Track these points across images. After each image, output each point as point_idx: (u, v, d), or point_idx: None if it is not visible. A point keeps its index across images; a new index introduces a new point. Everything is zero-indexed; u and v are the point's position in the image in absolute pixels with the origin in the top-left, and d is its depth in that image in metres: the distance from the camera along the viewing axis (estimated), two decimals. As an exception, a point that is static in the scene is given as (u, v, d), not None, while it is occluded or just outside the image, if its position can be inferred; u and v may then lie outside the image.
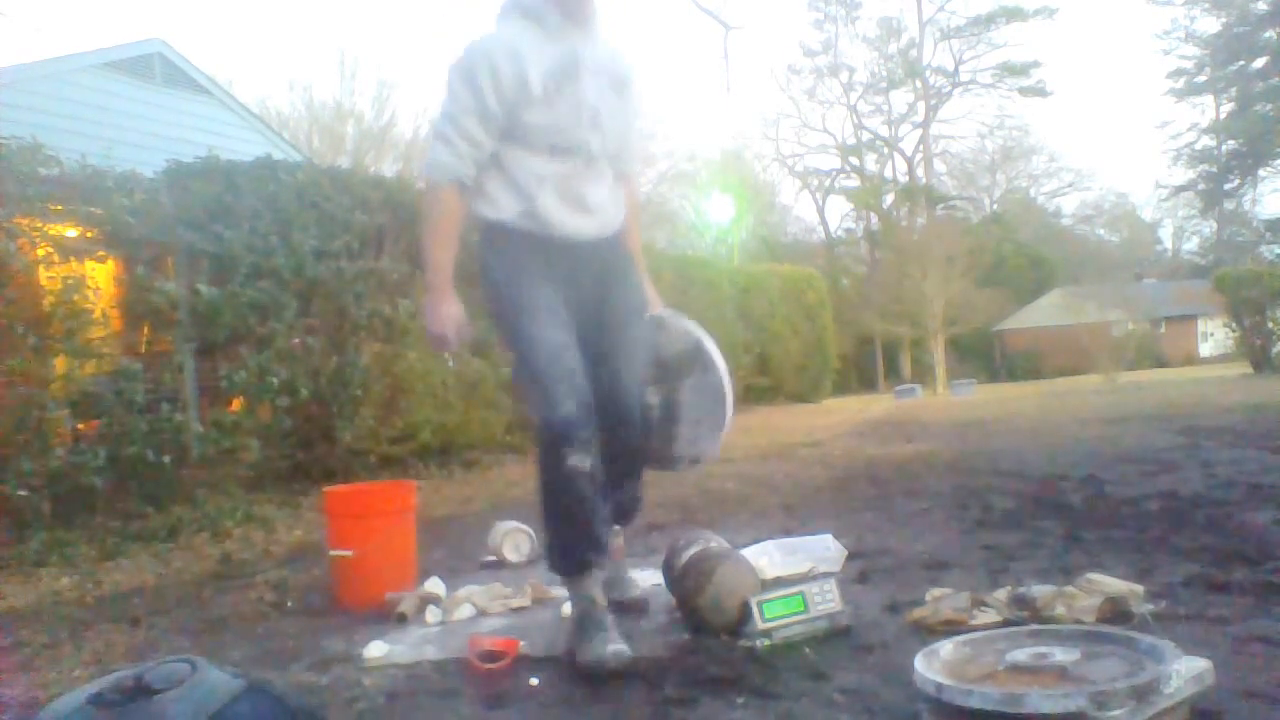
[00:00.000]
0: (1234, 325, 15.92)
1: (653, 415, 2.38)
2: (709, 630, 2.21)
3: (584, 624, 2.12)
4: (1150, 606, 2.08)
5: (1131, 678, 1.39)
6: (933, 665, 1.55)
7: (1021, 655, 1.54)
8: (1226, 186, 42.18)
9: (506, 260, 2.19)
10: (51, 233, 4.93)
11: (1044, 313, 35.97)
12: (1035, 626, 1.80)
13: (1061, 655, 1.52)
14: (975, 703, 1.39)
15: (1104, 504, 3.69)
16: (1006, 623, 2.06)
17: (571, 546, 2.16)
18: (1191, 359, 33.21)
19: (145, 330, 5.52)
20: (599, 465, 2.12)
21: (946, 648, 1.63)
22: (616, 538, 2.47)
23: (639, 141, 2.30)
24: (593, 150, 2.19)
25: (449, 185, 2.15)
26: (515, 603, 2.72)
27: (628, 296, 2.34)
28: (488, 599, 2.73)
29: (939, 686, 1.45)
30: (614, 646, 2.02)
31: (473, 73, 2.11)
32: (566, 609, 2.58)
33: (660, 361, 2.40)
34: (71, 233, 5.10)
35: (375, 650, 2.33)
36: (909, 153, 42.90)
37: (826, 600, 2.16)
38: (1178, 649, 1.48)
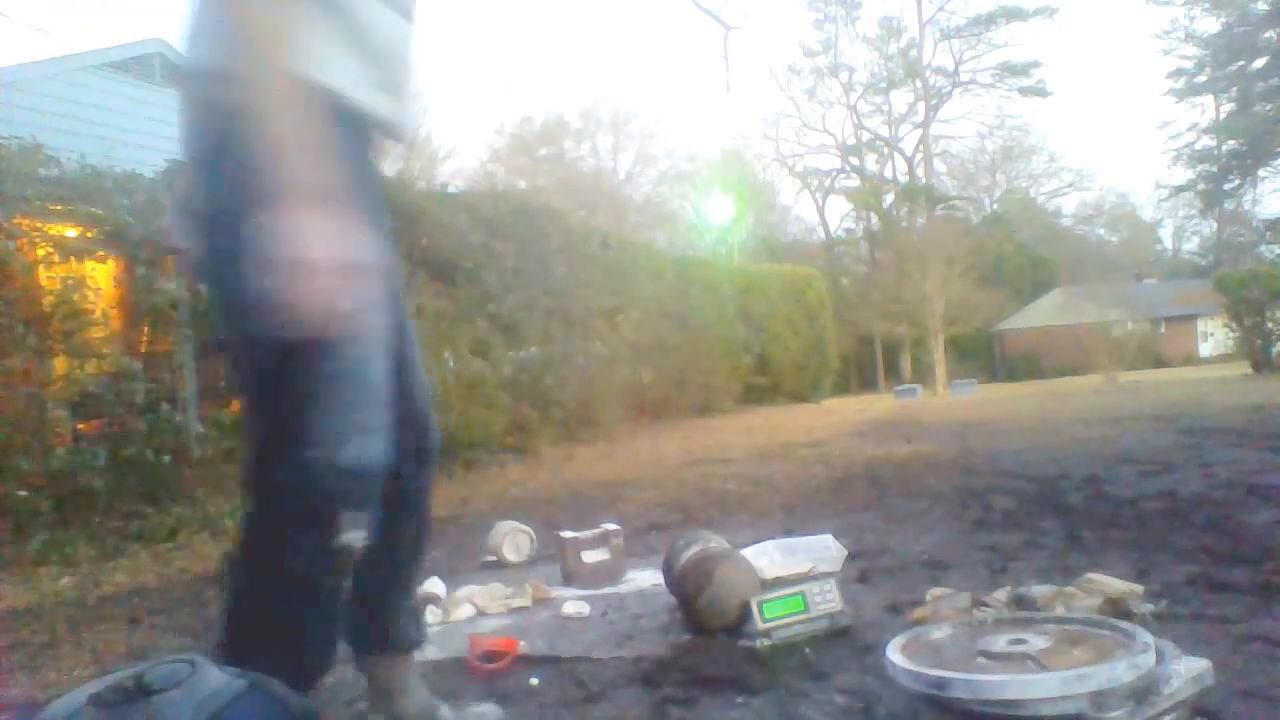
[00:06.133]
0: (1234, 325, 15.93)
1: None
2: (709, 630, 2.21)
3: None
4: (1150, 606, 2.07)
5: (1102, 663, 1.39)
6: (908, 650, 1.56)
7: (999, 643, 1.54)
8: (1226, 186, 42.15)
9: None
10: (51, 233, 4.93)
11: (1044, 313, 35.96)
12: (1021, 613, 1.81)
13: (1034, 643, 1.51)
14: (957, 692, 1.39)
15: (1104, 504, 3.69)
16: (1007, 623, 2.07)
17: (299, 666, 1.42)
18: (1191, 359, 33.17)
19: (145, 330, 5.52)
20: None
21: (928, 635, 1.64)
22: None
23: None
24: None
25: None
26: (515, 603, 2.72)
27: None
28: (488, 599, 2.73)
29: (916, 676, 1.46)
30: None
31: None
32: (566, 609, 2.59)
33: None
34: (71, 233, 5.10)
35: (375, 650, 2.33)
36: (909, 153, 42.97)
37: (826, 600, 2.16)
38: (1177, 649, 1.48)
